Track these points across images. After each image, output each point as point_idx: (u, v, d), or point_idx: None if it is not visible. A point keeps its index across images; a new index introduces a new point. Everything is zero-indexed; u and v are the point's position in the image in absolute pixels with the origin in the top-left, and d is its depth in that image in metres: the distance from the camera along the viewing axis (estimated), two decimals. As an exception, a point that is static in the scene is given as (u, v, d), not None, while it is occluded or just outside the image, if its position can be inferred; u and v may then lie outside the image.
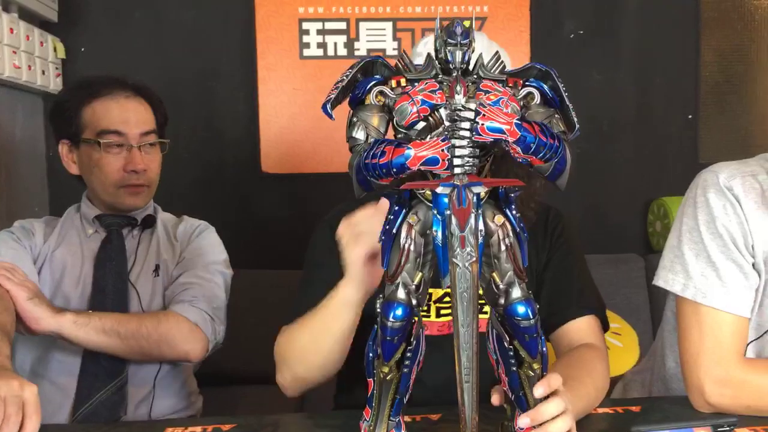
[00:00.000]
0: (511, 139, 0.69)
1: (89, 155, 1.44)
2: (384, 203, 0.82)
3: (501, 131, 0.68)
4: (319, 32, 2.34)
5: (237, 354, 1.67)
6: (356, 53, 2.34)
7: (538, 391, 0.79)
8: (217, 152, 2.41)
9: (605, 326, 1.20)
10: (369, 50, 2.35)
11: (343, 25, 2.34)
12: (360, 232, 0.94)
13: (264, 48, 2.34)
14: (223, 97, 2.40)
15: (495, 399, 0.85)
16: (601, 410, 1.06)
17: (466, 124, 0.68)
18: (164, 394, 1.43)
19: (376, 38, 2.35)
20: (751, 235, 1.05)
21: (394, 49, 2.35)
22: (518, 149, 0.69)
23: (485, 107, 0.69)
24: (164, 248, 1.50)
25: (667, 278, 1.11)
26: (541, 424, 0.80)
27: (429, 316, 1.15)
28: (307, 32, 2.34)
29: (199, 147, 2.39)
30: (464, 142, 0.68)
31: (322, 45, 2.35)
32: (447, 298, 1.14)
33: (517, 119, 0.69)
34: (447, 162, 0.68)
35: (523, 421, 0.80)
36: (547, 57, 2.36)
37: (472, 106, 0.68)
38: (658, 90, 2.58)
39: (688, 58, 2.57)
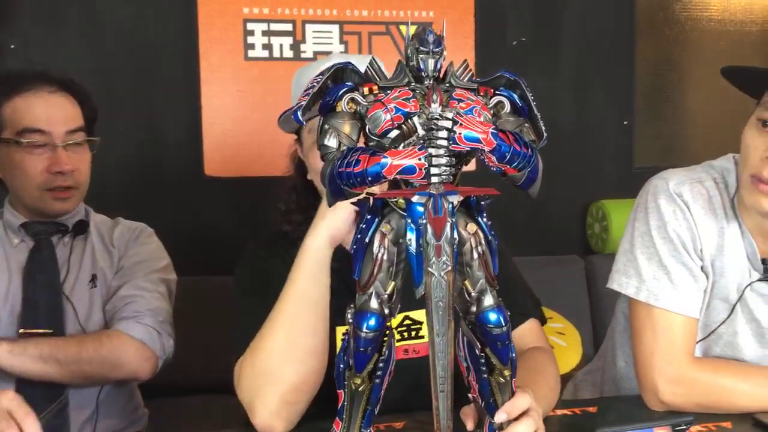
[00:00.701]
0: (487, 149, 0.68)
1: (10, 157, 1.33)
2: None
3: (478, 140, 0.68)
4: (265, 33, 2.30)
5: (180, 363, 1.62)
6: (302, 56, 2.31)
7: (500, 416, 0.80)
8: (156, 155, 2.34)
9: (543, 320, 1.22)
10: (315, 53, 2.33)
11: (289, 27, 2.31)
12: None
13: (207, 48, 2.28)
14: (163, 97, 2.32)
15: (469, 425, 0.86)
16: (559, 412, 1.09)
17: (443, 133, 0.68)
18: (109, 413, 1.35)
19: (323, 41, 2.33)
20: (700, 240, 1.10)
21: (341, 52, 2.34)
22: (493, 158, 0.70)
23: (462, 116, 0.69)
24: (100, 256, 1.41)
25: (621, 282, 1.14)
26: None
27: None
28: (252, 33, 2.29)
29: (137, 149, 2.30)
30: (441, 151, 0.68)
31: (268, 46, 2.31)
32: (407, 321, 1.13)
33: (492, 128, 0.69)
34: (424, 171, 0.67)
35: None
36: (492, 63, 2.41)
37: (450, 115, 0.68)
38: (596, 97, 2.67)
39: (624, 67, 2.67)
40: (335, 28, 2.34)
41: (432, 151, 0.68)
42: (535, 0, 2.60)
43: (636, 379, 1.13)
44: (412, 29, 0.75)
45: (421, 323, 1.14)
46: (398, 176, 0.68)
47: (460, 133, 0.68)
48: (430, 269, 0.69)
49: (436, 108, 0.69)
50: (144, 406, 1.53)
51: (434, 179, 0.68)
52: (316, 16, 2.32)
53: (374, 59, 0.77)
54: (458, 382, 0.82)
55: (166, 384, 1.73)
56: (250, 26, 2.29)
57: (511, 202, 1.36)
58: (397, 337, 1.11)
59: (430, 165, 0.68)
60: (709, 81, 2.68)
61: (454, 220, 0.69)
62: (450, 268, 0.69)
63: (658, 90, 2.75)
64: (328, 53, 2.33)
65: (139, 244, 1.44)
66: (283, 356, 0.99)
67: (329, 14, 2.33)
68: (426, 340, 1.13)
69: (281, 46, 2.31)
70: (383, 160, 0.68)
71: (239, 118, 2.32)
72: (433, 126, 0.68)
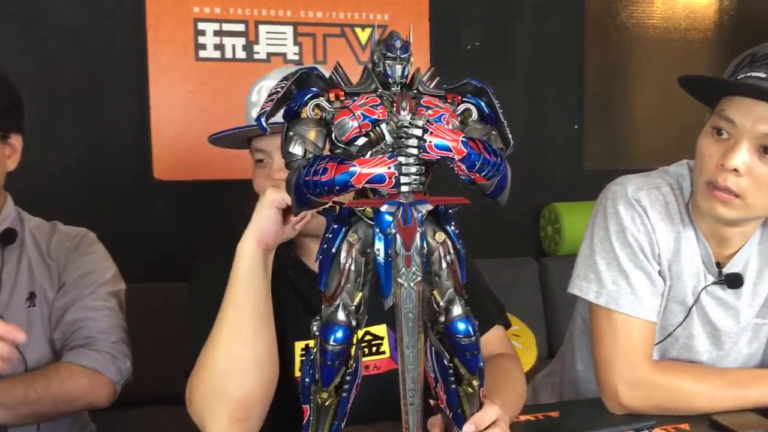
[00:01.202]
0: (457, 157, 0.67)
1: None
2: None
3: (448, 149, 0.67)
4: (217, 33, 2.25)
5: (129, 373, 1.56)
6: (256, 57, 2.27)
7: (468, 428, 0.79)
8: (103, 158, 2.26)
9: (507, 325, 1.22)
10: (269, 54, 2.29)
11: (241, 27, 2.27)
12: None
13: (156, 48, 2.21)
14: (110, 99, 2.24)
15: None
16: (523, 417, 1.09)
17: (414, 141, 0.66)
18: None
19: (277, 42, 2.29)
20: (657, 245, 1.12)
21: (295, 54, 2.31)
22: (463, 167, 0.68)
23: (431, 124, 0.67)
24: (38, 270, 1.28)
25: (581, 286, 1.15)
26: None
27: None
28: (203, 33, 2.24)
29: (82, 151, 2.22)
30: (411, 160, 0.66)
31: (220, 47, 2.26)
32: (368, 337, 1.11)
33: (463, 137, 0.68)
34: (394, 180, 0.66)
35: None
36: (446, 67, 2.42)
37: (420, 122, 0.67)
38: (547, 101, 2.72)
39: (573, 72, 2.73)
40: (289, 29, 2.30)
41: (402, 159, 0.66)
42: (488, 5, 2.63)
43: (596, 382, 1.15)
44: (374, 34, 0.73)
45: (382, 338, 1.12)
46: (367, 185, 0.67)
47: (430, 142, 0.66)
48: (399, 280, 0.68)
49: (405, 115, 0.67)
50: (91, 421, 1.46)
51: (404, 188, 0.66)
52: (269, 16, 2.28)
53: (338, 65, 0.74)
54: (426, 392, 0.81)
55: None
56: (201, 26, 2.23)
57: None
58: None
59: (400, 174, 0.66)
60: (655, 86, 2.76)
61: (423, 229, 0.68)
62: (420, 278, 0.68)
63: (606, 94, 2.82)
64: (281, 55, 2.30)
65: (80, 254, 1.32)
66: (225, 371, 0.95)
67: (283, 15, 2.29)
68: (387, 355, 1.11)
69: (234, 46, 2.26)
70: (352, 169, 0.66)
71: (190, 120, 2.26)
72: (402, 134, 0.66)
